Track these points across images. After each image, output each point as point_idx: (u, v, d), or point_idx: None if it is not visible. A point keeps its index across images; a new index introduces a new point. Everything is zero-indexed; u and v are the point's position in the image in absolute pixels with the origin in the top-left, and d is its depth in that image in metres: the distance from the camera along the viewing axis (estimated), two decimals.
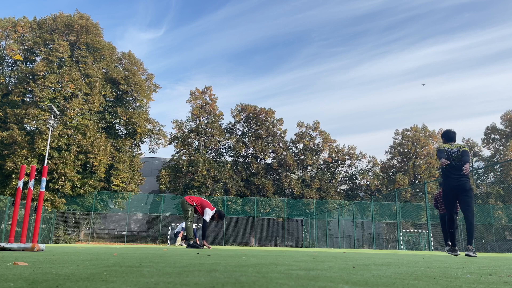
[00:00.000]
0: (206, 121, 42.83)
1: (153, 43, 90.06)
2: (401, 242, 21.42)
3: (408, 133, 45.35)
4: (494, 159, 44.70)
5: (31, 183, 4.25)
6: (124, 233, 35.29)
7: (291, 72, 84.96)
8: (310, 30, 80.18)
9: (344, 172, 46.82)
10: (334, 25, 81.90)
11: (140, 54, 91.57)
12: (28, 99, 32.76)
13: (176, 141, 41.58)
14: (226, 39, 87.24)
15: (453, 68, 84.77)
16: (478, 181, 44.65)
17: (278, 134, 44.36)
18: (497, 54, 79.20)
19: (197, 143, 42.84)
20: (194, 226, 12.00)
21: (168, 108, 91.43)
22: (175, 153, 41.40)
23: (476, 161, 47.63)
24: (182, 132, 41.99)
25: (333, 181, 44.69)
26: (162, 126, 39.14)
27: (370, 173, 45.91)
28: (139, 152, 38.04)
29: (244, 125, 45.04)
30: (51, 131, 27.46)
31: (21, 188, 4.13)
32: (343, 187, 46.36)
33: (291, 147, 45.20)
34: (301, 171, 43.49)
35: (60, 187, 29.65)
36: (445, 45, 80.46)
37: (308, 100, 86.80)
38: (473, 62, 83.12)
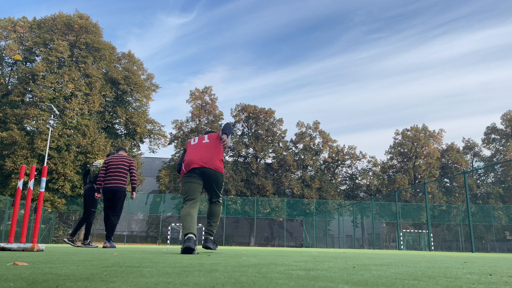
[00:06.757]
0: (206, 121, 42.84)
1: (180, 29, 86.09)
2: (401, 242, 21.43)
3: (408, 133, 45.35)
4: (494, 159, 44.70)
5: (31, 183, 4.25)
6: (124, 233, 35.29)
7: (309, 67, 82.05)
8: (353, 11, 73.89)
9: (344, 172, 46.83)
10: (377, 8, 75.55)
11: (160, 43, 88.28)
12: (28, 99, 32.74)
13: (176, 141, 41.60)
14: (253, 23, 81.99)
15: (461, 64, 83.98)
16: (478, 181, 44.65)
17: (278, 134, 44.36)
18: None
19: None
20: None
21: (180, 104, 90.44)
22: (175, 153, 41.41)
23: (476, 161, 47.65)
24: (182, 132, 42.01)
25: (333, 181, 44.68)
26: (162, 126, 39.22)
27: (370, 173, 45.92)
28: (139, 152, 38.06)
29: (244, 125, 45.04)
30: (51, 131, 27.46)
31: (21, 188, 4.12)
32: (343, 187, 46.35)
33: (291, 147, 45.19)
34: (301, 171, 43.47)
35: (59, 187, 29.64)
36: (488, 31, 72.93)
37: (308, 99, 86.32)
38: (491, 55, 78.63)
